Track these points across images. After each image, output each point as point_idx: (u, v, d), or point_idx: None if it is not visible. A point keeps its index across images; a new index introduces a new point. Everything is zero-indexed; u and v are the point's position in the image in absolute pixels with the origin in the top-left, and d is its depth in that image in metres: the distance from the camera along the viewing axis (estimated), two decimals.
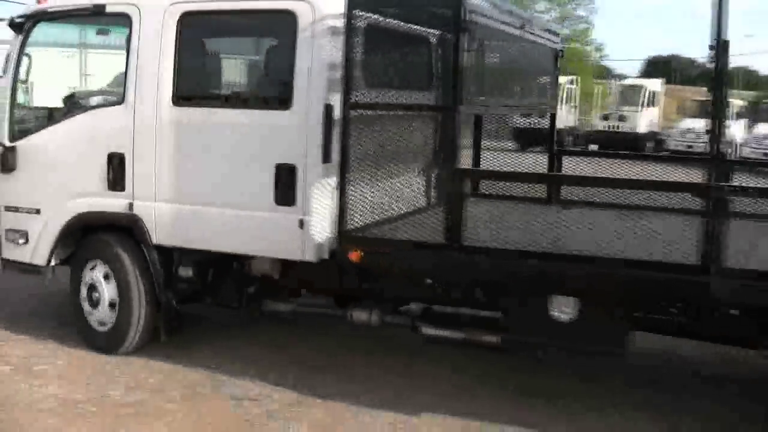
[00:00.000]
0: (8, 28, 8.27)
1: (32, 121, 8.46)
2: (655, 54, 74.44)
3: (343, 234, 6.60)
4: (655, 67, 70.52)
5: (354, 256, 6.56)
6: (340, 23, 6.59)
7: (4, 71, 8.33)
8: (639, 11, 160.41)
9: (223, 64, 8.23)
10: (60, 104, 8.49)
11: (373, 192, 6.85)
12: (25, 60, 8.28)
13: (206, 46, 7.98)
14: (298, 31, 6.77)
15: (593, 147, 40.03)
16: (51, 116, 8.36)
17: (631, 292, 6.02)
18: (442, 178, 6.56)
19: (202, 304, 8.07)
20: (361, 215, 6.69)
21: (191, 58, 7.55)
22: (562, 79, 43.66)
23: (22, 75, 8.31)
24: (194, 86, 7.66)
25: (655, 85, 43.14)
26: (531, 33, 8.34)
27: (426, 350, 7.63)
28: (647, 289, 5.91)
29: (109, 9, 7.73)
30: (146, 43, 7.46)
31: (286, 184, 6.83)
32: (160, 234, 7.48)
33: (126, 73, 7.59)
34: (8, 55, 8.32)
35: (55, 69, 9.29)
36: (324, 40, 6.69)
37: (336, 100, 6.62)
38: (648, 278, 5.78)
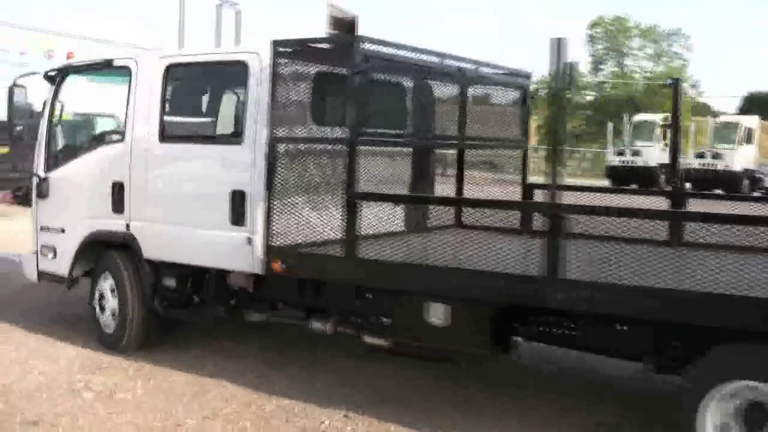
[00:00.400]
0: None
1: (61, 155, 10.04)
2: (753, 90, 72.99)
3: (268, 247, 7.77)
4: (752, 103, 69.23)
5: (275, 266, 7.74)
6: None
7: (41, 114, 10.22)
8: (735, 46, 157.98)
9: (198, 107, 9.66)
10: (81, 141, 10.46)
11: (298, 214, 7.84)
12: (57, 105, 10.08)
13: (185, 91, 9.49)
14: (248, 77, 8.00)
15: (687, 186, 39.51)
16: (75, 151, 9.99)
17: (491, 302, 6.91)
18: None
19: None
20: (285, 234, 7.76)
21: (174, 102, 9.10)
22: (655, 117, 43.62)
23: (55, 117, 10.11)
24: (175, 126, 9.08)
25: (752, 122, 42.41)
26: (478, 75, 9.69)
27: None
28: (506, 300, 6.75)
29: (115, 63, 9.54)
30: (141, 89, 9.01)
31: (238, 207, 8.01)
32: (148, 250, 8.88)
33: (126, 114, 9.17)
34: (44, 101, 10.14)
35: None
36: (267, 84, 7.84)
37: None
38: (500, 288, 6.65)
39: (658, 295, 5.91)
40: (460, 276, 6.84)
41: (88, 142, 10.45)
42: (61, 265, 9.73)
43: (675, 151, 9.68)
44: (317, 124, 8.20)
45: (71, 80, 10.19)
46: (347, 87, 7.57)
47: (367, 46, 7.58)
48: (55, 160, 10.00)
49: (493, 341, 7.15)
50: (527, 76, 10.59)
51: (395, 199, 8.81)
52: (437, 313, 7.17)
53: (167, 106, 8.93)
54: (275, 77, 7.78)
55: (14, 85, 10.72)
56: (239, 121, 8.35)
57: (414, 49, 8.30)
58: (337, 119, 8.15)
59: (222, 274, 8.50)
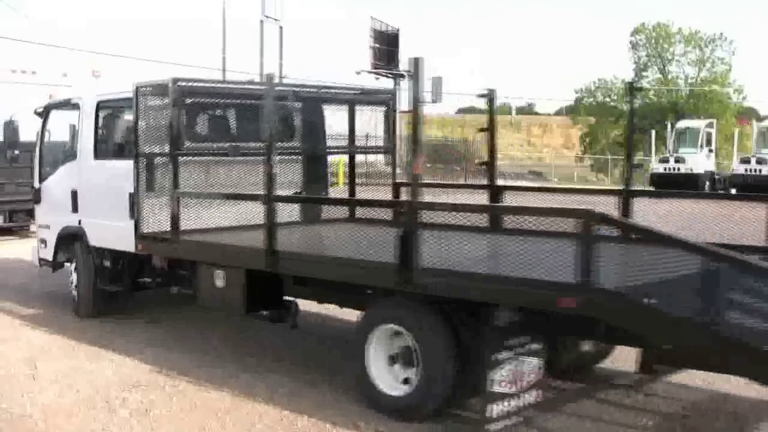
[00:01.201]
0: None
1: (46, 170, 13.12)
2: None
3: (137, 234, 10.30)
4: None
5: (139, 247, 10.39)
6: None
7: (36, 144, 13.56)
8: None
9: (114, 131, 11.87)
10: (57, 160, 12.95)
11: (156, 209, 10.21)
12: (45, 133, 13.31)
13: (105, 120, 11.96)
14: (134, 111, 10.38)
15: (732, 191, 39.11)
16: (53, 167, 12.91)
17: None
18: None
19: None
20: (148, 223, 10.23)
21: (101, 128, 11.87)
22: (699, 123, 43.19)
23: (44, 143, 13.38)
24: (101, 147, 11.80)
25: None
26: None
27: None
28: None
29: (72, 101, 12.51)
30: (84, 119, 11.99)
31: (132, 205, 10.46)
32: (92, 239, 11.72)
33: (77, 139, 12.18)
34: (37, 133, 13.39)
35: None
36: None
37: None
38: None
39: (347, 264, 8.10)
40: (226, 250, 9.39)
41: (60, 161, 12.86)
42: (49, 253, 12.79)
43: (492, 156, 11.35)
44: (169, 144, 10.10)
45: (54, 114, 13.28)
46: (170, 115, 10.03)
47: (187, 84, 10.21)
48: (43, 174, 13.16)
49: (249, 302, 9.31)
50: (392, 93, 13.43)
51: (211, 196, 10.66)
52: (219, 277, 9.47)
53: (99, 132, 11.86)
54: (137, 110, 10.32)
55: (9, 120, 15.07)
56: (132, 141, 10.48)
57: (234, 82, 11.14)
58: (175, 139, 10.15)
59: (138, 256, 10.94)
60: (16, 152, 15.48)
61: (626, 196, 9.69)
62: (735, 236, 8.23)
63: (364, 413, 7.76)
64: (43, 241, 12.98)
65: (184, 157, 10.26)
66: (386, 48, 69.75)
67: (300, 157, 11.79)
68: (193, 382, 8.71)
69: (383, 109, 12.48)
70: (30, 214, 20.66)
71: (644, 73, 75.42)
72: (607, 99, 75.76)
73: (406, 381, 7.72)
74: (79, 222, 11.88)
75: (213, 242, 9.73)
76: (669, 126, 44.59)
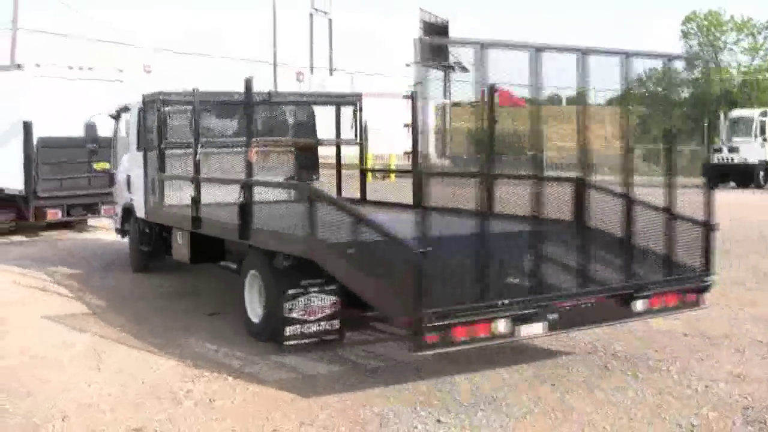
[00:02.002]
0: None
1: (116, 159, 16.96)
2: None
3: (145, 206, 14.17)
4: None
5: (144, 216, 14.36)
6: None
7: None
8: None
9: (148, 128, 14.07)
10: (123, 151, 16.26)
11: (157, 188, 13.39)
12: (120, 131, 16.76)
13: (147, 118, 14.07)
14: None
15: None
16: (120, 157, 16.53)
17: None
18: None
19: None
20: (152, 199, 13.69)
21: (145, 125, 14.22)
22: (753, 112, 42.67)
23: (118, 139, 16.78)
24: (140, 141, 14.55)
25: None
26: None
27: None
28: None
29: (128, 105, 15.46)
30: (131, 120, 15.13)
31: (130, 184, 15.10)
32: (137, 212, 14.94)
33: (130, 135, 15.31)
34: (113, 129, 17.19)
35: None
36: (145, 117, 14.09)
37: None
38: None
39: (219, 225, 11.45)
40: (178, 217, 12.65)
41: (122, 152, 16.22)
42: (118, 223, 16.46)
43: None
44: (157, 140, 13.35)
45: (125, 115, 16.06)
46: (157, 119, 13.30)
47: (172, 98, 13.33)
48: (115, 163, 16.93)
49: (192, 255, 12.70)
50: (358, 96, 15.22)
51: (179, 179, 13.25)
52: (178, 236, 12.99)
53: (139, 129, 14.51)
54: (143, 115, 14.22)
55: (90, 122, 18.09)
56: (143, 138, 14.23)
57: (211, 93, 13.38)
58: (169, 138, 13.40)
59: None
60: (95, 145, 18.22)
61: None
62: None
63: (426, 401, 7.82)
64: (116, 215, 16.81)
65: (170, 150, 13.38)
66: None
67: (292, 149, 14.68)
68: (255, 373, 8.82)
69: (351, 108, 14.99)
70: (87, 208, 21.02)
71: (696, 62, 74.47)
72: (659, 88, 74.91)
73: (262, 311, 10.14)
74: (131, 199, 15.17)
75: (175, 212, 12.77)
76: (722, 115, 44.03)
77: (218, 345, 9.97)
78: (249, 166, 10.95)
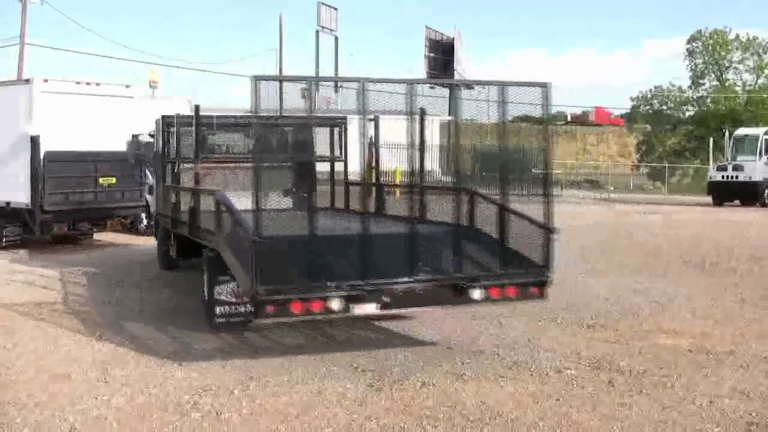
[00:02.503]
0: None
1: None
2: None
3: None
4: None
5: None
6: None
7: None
8: None
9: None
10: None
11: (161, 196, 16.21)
12: (156, 145, 17.48)
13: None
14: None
15: None
16: None
17: None
18: None
19: None
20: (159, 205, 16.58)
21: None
22: (758, 131, 42.68)
23: (156, 152, 17.27)
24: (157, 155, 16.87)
25: None
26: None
27: None
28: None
29: (156, 121, 16.40)
30: (156, 135, 16.78)
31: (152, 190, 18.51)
32: None
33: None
34: (152, 144, 17.95)
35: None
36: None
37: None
38: None
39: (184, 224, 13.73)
40: (168, 220, 15.20)
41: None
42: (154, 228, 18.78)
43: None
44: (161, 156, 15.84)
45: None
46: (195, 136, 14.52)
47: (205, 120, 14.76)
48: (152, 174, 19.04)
49: (178, 252, 15.44)
50: (343, 119, 16.53)
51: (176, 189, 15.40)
52: (171, 238, 15.57)
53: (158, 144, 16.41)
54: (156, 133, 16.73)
55: (134, 137, 19.81)
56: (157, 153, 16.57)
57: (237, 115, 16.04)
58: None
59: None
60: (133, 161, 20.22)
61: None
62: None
63: (432, 415, 7.86)
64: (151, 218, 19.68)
65: (174, 163, 15.69)
66: (441, 57, 69.88)
67: (290, 165, 15.99)
68: (262, 387, 8.86)
69: (338, 129, 16.56)
70: (93, 222, 21.13)
71: (701, 81, 74.64)
72: (664, 107, 75.08)
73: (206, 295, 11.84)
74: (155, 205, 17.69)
75: (167, 214, 15.00)
76: (727, 134, 44.07)
77: (225, 358, 10.00)
78: (246, 177, 12.50)
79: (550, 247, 10.35)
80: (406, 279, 9.85)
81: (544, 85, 10.75)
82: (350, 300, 9.50)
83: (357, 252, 9.87)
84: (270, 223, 9.56)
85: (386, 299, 9.68)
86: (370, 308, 9.69)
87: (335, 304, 9.44)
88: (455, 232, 11.04)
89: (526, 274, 10.48)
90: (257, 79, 9.28)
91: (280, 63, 51.29)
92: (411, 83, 10.50)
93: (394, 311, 10.45)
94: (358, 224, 10.24)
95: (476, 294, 10.13)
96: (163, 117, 15.65)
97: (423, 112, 12.48)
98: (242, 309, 11.15)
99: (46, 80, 20.44)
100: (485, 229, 11.40)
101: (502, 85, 10.75)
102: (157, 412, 8.09)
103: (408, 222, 10.82)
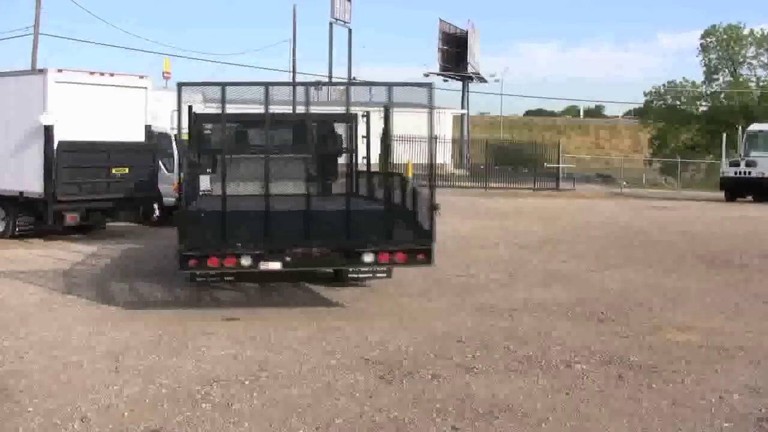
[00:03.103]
0: None
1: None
2: None
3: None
4: None
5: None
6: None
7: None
8: None
9: None
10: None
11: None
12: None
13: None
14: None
15: None
16: None
17: None
18: None
19: None
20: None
21: None
22: (764, 126, 42.54)
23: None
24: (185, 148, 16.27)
25: None
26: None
27: None
28: None
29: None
30: None
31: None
32: None
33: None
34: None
35: None
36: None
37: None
38: None
39: None
40: None
41: None
42: None
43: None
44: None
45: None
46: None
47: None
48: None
49: None
50: (354, 116, 17.47)
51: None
52: None
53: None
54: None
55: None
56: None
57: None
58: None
59: None
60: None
61: None
62: None
63: (443, 407, 7.89)
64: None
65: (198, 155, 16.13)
66: (455, 50, 69.83)
67: (312, 157, 16.03)
68: (272, 378, 8.89)
69: (348, 124, 17.59)
70: (106, 212, 21.19)
71: (715, 76, 74.45)
72: (677, 102, 74.94)
73: None
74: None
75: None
76: (740, 129, 43.93)
77: (236, 350, 10.04)
78: (270, 169, 12.47)
79: (433, 220, 12.06)
80: (305, 244, 12.07)
81: (428, 85, 12.66)
82: (258, 258, 11.83)
83: (265, 223, 11.99)
84: (212, 203, 13.07)
85: (288, 259, 11.96)
86: (274, 265, 11.97)
87: (245, 261, 11.77)
88: (351, 206, 13.28)
89: (412, 242, 12.37)
90: (181, 84, 12.19)
91: (294, 55, 51.40)
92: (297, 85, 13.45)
93: (295, 269, 12.96)
94: (296, 203, 12.96)
95: (367, 258, 12.15)
96: (198, 114, 16.24)
97: (387, 109, 14.32)
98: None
99: (60, 70, 20.46)
100: (394, 206, 13.35)
101: (389, 85, 12.50)
102: (168, 403, 8.12)
103: (336, 200, 14.36)
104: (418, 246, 12.25)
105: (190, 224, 12.04)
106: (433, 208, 12.06)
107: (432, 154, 13.35)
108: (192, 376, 9.01)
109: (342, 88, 62.20)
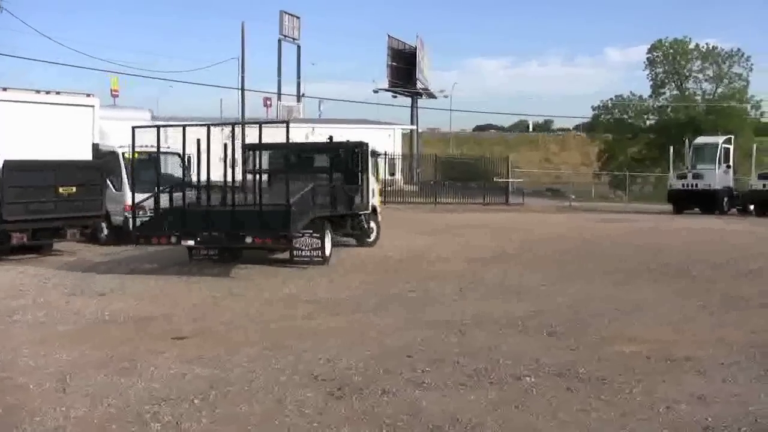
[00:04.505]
0: None
1: None
2: None
3: None
4: None
5: None
6: None
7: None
8: None
9: None
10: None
11: None
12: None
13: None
14: None
15: (751, 207, 39.10)
16: None
17: None
18: None
19: None
20: None
21: None
22: (717, 139, 43.18)
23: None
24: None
25: None
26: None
27: None
28: None
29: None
30: None
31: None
32: None
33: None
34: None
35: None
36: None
37: None
38: None
39: None
40: None
41: None
42: None
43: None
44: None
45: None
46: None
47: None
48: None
49: None
50: (366, 144, 23.36)
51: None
52: None
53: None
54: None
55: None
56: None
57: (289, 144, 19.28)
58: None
59: None
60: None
61: None
62: None
63: (387, 430, 7.88)
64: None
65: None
66: (404, 66, 70.08)
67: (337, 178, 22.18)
68: (222, 396, 8.81)
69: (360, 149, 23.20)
70: (53, 232, 20.91)
71: (662, 90, 75.38)
72: (625, 116, 75.75)
73: None
74: None
75: None
76: (687, 142, 44.53)
77: (185, 368, 9.95)
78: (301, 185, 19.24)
79: (290, 215, 17.31)
80: (209, 230, 18.26)
81: (285, 122, 18.30)
82: (180, 238, 18.29)
83: (189, 217, 18.69)
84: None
85: (198, 239, 18.33)
86: (190, 243, 18.60)
87: (173, 239, 18.37)
88: (238, 207, 18.72)
89: (276, 231, 17.66)
90: (135, 128, 19.11)
91: (242, 72, 51.13)
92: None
93: (203, 246, 19.15)
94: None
95: (248, 239, 17.71)
96: (248, 144, 23.34)
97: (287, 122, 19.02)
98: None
99: (5, 89, 20.29)
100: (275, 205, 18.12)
101: (243, 124, 19.60)
102: (117, 423, 8.02)
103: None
104: (281, 233, 17.69)
105: (147, 221, 20.04)
106: (288, 206, 17.23)
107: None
108: (141, 396, 8.90)
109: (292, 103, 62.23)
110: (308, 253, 19.06)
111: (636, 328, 12.35)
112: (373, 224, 23.87)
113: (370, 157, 23.36)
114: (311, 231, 18.89)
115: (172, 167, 24.17)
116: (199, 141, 18.15)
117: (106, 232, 23.18)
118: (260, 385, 9.22)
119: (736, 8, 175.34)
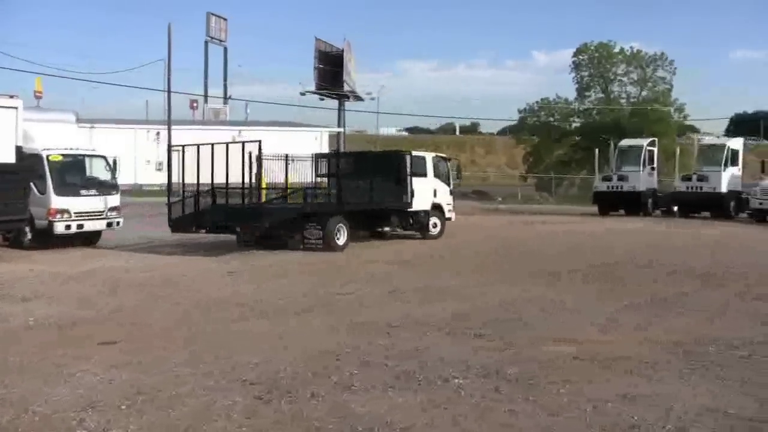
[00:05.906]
0: None
1: None
2: (740, 111, 73.78)
3: None
4: (738, 125, 69.56)
5: None
6: None
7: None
8: (722, 69, 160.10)
9: None
10: None
11: None
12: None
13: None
14: None
15: (674, 209, 39.79)
16: None
17: None
18: None
19: None
20: None
21: None
22: (641, 141, 43.86)
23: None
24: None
25: (737, 143, 42.72)
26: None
27: None
28: None
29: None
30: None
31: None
32: None
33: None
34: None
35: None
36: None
37: None
38: None
39: None
40: None
41: None
42: None
43: None
44: None
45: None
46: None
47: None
48: None
49: None
50: (407, 153, 28.11)
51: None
52: None
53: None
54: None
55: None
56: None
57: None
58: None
59: None
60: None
61: None
62: None
63: (318, 427, 7.87)
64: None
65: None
66: (331, 68, 69.99)
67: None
68: (149, 401, 8.71)
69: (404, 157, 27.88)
70: None
71: (587, 93, 76.29)
72: (551, 119, 76.52)
73: None
74: None
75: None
76: (612, 145, 45.17)
77: (112, 374, 9.82)
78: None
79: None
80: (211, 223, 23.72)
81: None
82: (197, 229, 23.89)
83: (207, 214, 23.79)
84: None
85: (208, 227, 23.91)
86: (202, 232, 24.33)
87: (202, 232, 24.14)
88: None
89: (250, 223, 23.07)
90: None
91: (169, 74, 50.59)
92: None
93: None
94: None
95: (237, 228, 23.24)
96: (317, 154, 29.60)
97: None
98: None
99: None
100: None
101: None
102: (43, 431, 7.91)
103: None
104: (253, 225, 22.92)
105: (180, 217, 24.20)
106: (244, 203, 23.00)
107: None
108: (67, 402, 8.76)
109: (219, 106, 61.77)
110: (313, 241, 23.58)
111: (564, 329, 12.49)
112: (436, 220, 28.54)
113: (409, 163, 27.26)
114: (315, 223, 23.59)
115: (96, 170, 23.99)
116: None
117: (29, 236, 22.77)
118: (187, 390, 9.14)
119: (660, 13, 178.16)
